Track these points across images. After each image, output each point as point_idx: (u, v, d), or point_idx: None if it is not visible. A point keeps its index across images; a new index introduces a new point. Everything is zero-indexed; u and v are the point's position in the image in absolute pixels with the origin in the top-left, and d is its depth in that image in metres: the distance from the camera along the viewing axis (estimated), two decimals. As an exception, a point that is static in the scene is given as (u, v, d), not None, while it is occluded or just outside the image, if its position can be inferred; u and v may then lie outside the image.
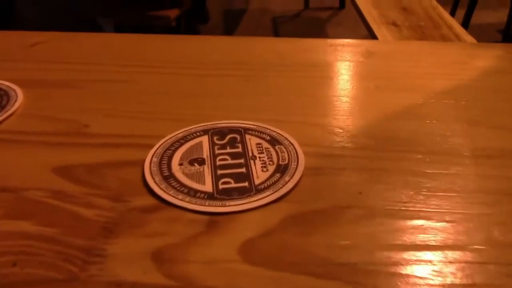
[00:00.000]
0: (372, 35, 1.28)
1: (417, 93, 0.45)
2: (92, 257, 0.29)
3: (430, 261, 0.28)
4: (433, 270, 0.28)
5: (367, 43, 0.56)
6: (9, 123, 0.41)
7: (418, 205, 0.32)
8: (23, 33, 0.58)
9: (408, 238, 0.30)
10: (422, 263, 0.28)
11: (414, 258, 0.29)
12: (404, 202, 0.32)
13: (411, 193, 0.33)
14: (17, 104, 0.43)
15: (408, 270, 0.28)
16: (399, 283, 0.27)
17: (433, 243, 0.30)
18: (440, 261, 0.28)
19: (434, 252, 0.29)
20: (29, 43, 0.55)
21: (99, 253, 0.29)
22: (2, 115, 0.41)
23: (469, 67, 0.51)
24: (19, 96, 0.44)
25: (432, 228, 0.31)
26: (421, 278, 0.27)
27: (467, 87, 0.47)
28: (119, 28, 1.91)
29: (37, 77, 0.49)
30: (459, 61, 0.52)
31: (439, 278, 0.27)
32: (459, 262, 0.28)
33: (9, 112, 0.42)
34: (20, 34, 0.58)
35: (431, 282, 0.27)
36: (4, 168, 0.36)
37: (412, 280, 0.27)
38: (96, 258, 0.29)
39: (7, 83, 0.46)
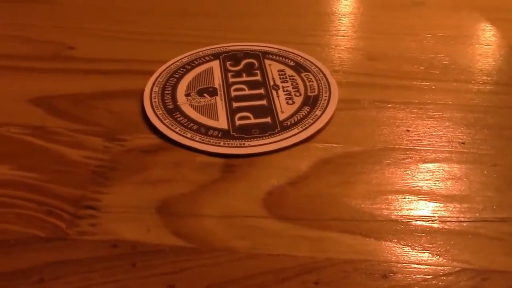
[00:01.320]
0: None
1: (464, 12, 0.38)
2: (82, 209, 0.23)
3: (500, 218, 0.23)
4: (503, 227, 0.22)
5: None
6: (-22, 44, 0.34)
7: (481, 147, 0.26)
8: None
9: (471, 187, 0.24)
10: (489, 219, 0.23)
11: (480, 212, 0.23)
12: (463, 143, 0.27)
13: (471, 131, 0.27)
14: (-13, 21, 0.36)
15: (474, 227, 0.22)
16: (463, 243, 0.22)
17: (500, 193, 0.24)
18: (510, 217, 0.23)
19: (501, 205, 0.23)
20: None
21: (90, 205, 0.23)
22: (-31, 34, 0.34)
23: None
24: (-9, 11, 0.37)
25: (501, 174, 0.25)
26: (489, 237, 0.22)
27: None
28: None
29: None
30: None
31: (510, 236, 0.22)
32: (535, 217, 0.23)
33: (-22, 30, 0.35)
34: None
35: (502, 242, 0.22)
36: (-29, 98, 0.30)
37: (478, 239, 0.22)
38: (87, 211, 0.23)
39: (-25, -4, 0.39)
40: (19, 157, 0.26)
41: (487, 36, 0.36)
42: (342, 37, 0.35)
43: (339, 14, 0.39)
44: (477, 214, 0.23)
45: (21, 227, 0.22)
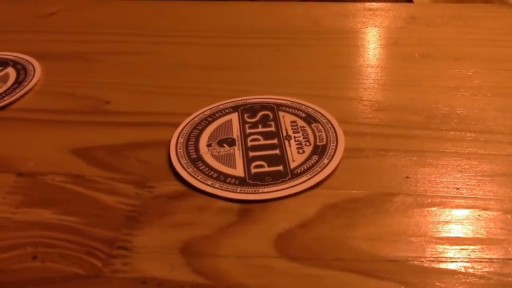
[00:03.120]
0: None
1: (467, 63, 0.41)
2: (116, 249, 0.26)
3: (489, 258, 0.25)
4: (492, 268, 0.25)
5: (409, 6, 0.51)
6: (26, 101, 0.39)
7: (474, 192, 0.29)
8: (41, 2, 0.55)
9: (463, 230, 0.27)
10: (479, 259, 0.25)
11: (471, 253, 0.25)
12: (458, 189, 0.29)
13: (465, 177, 0.30)
14: (34, 80, 0.40)
15: (464, 267, 0.25)
16: (454, 282, 0.24)
17: (491, 236, 0.26)
18: (500, 258, 0.25)
19: (493, 247, 0.26)
20: (47, 12, 0.52)
21: (123, 246, 0.27)
22: (19, 92, 0.39)
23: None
24: (37, 70, 0.42)
25: (490, 219, 0.27)
26: (479, 276, 0.24)
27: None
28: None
29: (55, 49, 0.46)
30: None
31: (499, 277, 0.24)
32: (523, 258, 0.25)
33: (27, 88, 0.39)
34: (38, 2, 0.55)
35: (490, 281, 0.24)
36: (20, 150, 0.34)
37: (469, 279, 0.24)
38: (120, 251, 0.26)
39: (24, 56, 0.44)
40: (62, 203, 0.30)
41: (488, 86, 0.38)
42: (350, 89, 0.39)
43: (349, 67, 0.42)
44: (468, 254, 0.25)
45: (64, 266, 0.26)
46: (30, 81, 0.40)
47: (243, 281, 0.25)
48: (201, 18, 0.52)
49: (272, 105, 0.37)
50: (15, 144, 0.34)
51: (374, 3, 0.52)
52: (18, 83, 0.40)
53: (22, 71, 0.42)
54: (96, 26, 0.51)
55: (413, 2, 0.63)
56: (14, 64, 0.43)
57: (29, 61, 0.43)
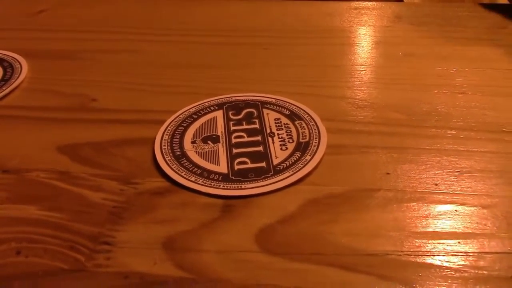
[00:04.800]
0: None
1: (450, 61, 0.42)
2: (100, 245, 0.27)
3: (465, 252, 0.26)
4: (468, 261, 0.25)
5: (395, 5, 0.52)
6: (13, 98, 0.39)
7: (452, 188, 0.29)
8: (29, 0, 0.55)
9: (440, 225, 0.27)
10: (455, 253, 0.26)
11: (447, 247, 0.26)
12: (436, 184, 0.30)
13: (444, 173, 0.30)
14: (21, 77, 0.41)
15: (441, 261, 0.25)
16: (430, 275, 0.25)
17: (468, 231, 0.27)
18: (475, 251, 0.26)
19: (469, 241, 0.26)
20: (34, 10, 0.53)
21: (106, 241, 0.27)
22: (5, 90, 0.39)
23: (509, 31, 0.47)
24: (24, 68, 0.42)
25: (467, 214, 0.28)
26: (455, 270, 0.25)
27: (508, 54, 0.43)
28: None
29: (42, 47, 0.46)
30: (499, 25, 0.48)
31: (475, 270, 0.25)
32: (497, 252, 0.26)
33: (13, 85, 0.40)
34: (26, 0, 0.55)
35: (466, 274, 0.25)
36: (6, 147, 0.34)
37: (444, 272, 0.25)
38: (103, 246, 0.27)
39: (12, 54, 0.44)
40: (46, 199, 0.30)
41: (469, 84, 0.39)
42: (335, 87, 0.39)
43: (335, 66, 0.42)
44: (444, 248, 0.26)
45: (48, 260, 0.26)
46: (17, 78, 0.40)
47: (224, 275, 0.25)
48: (189, 17, 0.52)
49: (257, 102, 0.37)
50: (1, 141, 0.35)
51: (361, 2, 0.53)
52: (4, 80, 0.40)
53: (9, 68, 0.42)
54: (84, 24, 0.51)
55: (402, 1, 0.63)
56: (1, 61, 0.43)
57: (16, 59, 0.43)
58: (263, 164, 0.31)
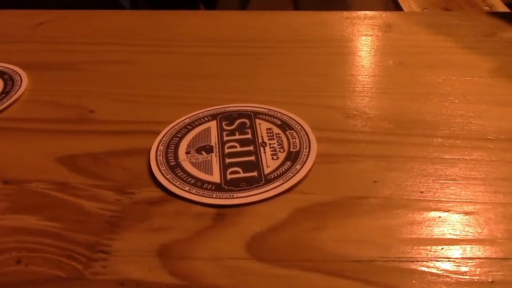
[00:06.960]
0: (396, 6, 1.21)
1: (438, 70, 0.43)
2: (96, 253, 0.28)
3: (448, 257, 0.27)
4: (451, 267, 0.26)
5: (386, 15, 0.53)
6: (13, 110, 0.40)
7: (437, 195, 0.30)
8: (29, 12, 0.57)
9: (425, 231, 0.28)
10: (439, 259, 0.27)
11: (432, 253, 0.27)
12: (422, 192, 0.31)
13: (429, 181, 0.31)
14: (21, 90, 0.42)
15: (425, 266, 0.26)
16: (414, 281, 0.26)
17: (452, 237, 0.28)
18: (458, 257, 0.27)
19: (452, 247, 0.27)
20: (34, 23, 0.54)
21: (103, 249, 0.28)
22: (6, 102, 0.40)
23: (497, 39, 0.48)
24: (24, 80, 0.43)
25: (451, 220, 0.29)
26: (438, 275, 0.26)
27: (494, 62, 0.44)
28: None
29: (42, 59, 0.48)
30: (487, 33, 0.49)
31: (457, 276, 0.26)
32: (479, 258, 0.27)
33: (13, 98, 0.41)
34: (26, 13, 0.57)
35: (448, 279, 0.26)
36: (6, 158, 0.35)
37: (428, 277, 0.26)
38: (100, 255, 0.28)
39: (12, 66, 0.45)
40: (45, 209, 0.31)
41: (456, 93, 0.40)
42: (326, 96, 0.40)
43: (326, 75, 0.44)
44: (428, 254, 0.27)
45: (47, 269, 0.27)
46: (17, 91, 0.42)
47: (216, 281, 0.26)
48: (183, 28, 0.53)
49: (250, 113, 0.38)
50: (2, 153, 0.36)
51: (353, 12, 0.54)
52: (5, 93, 0.41)
53: (9, 81, 0.43)
54: (82, 36, 0.52)
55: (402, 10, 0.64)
56: (1, 74, 0.44)
57: (16, 71, 0.44)
58: (255, 173, 0.32)
